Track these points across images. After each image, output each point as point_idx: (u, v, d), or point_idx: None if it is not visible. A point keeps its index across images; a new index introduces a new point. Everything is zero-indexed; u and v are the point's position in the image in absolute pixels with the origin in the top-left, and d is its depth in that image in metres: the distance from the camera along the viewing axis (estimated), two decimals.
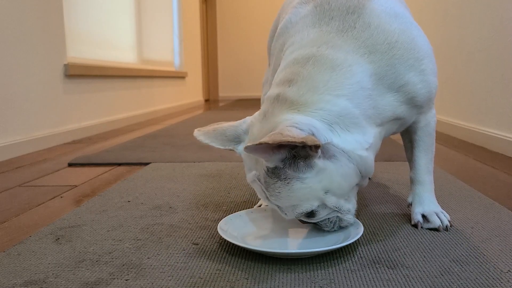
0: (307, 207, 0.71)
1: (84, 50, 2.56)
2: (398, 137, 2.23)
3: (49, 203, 1.13)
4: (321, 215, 0.75)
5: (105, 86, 2.71)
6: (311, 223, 0.78)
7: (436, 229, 0.86)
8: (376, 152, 0.79)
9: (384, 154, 1.68)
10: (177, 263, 0.73)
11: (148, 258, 0.75)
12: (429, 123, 0.87)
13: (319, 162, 0.69)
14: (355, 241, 0.80)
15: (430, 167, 0.90)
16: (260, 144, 0.62)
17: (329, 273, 0.68)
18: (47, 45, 2.07)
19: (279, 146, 0.66)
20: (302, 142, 0.63)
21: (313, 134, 0.68)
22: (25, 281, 0.67)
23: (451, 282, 0.64)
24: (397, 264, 0.71)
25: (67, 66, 2.22)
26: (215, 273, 0.68)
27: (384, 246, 0.78)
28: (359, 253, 0.75)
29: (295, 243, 0.79)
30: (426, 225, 0.87)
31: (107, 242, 0.82)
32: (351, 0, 0.78)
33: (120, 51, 3.11)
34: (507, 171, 1.41)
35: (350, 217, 0.77)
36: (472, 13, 2.09)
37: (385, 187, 1.19)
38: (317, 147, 0.67)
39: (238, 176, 1.35)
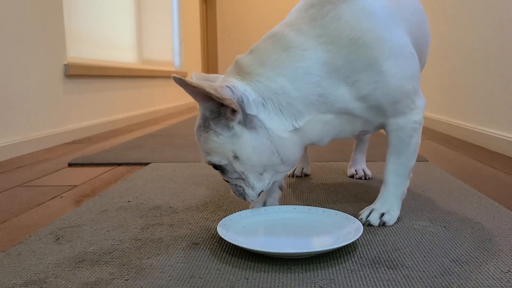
0: (215, 160, 0.80)
1: (84, 50, 2.56)
2: None
3: (49, 203, 1.13)
4: (230, 176, 0.83)
5: (105, 86, 2.71)
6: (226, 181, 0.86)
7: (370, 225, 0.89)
8: (311, 141, 0.83)
9: (384, 154, 1.68)
10: (177, 263, 0.73)
11: (148, 258, 0.75)
12: (401, 128, 0.86)
13: (237, 127, 0.77)
14: (355, 241, 0.80)
15: (400, 171, 0.89)
16: (184, 81, 0.70)
17: (329, 273, 0.68)
18: (47, 45, 2.07)
19: (210, 98, 0.74)
20: (219, 99, 0.72)
21: (242, 101, 0.76)
22: (25, 281, 0.67)
23: (451, 282, 0.64)
24: (397, 264, 0.71)
25: (67, 66, 2.22)
26: (215, 273, 0.68)
27: (384, 246, 0.78)
28: (359, 253, 0.75)
29: (295, 243, 0.79)
30: (372, 221, 0.89)
31: (107, 242, 0.82)
32: None
33: (120, 51, 3.11)
34: (507, 171, 1.41)
35: (252, 194, 0.83)
36: (471, 13, 2.09)
37: None
38: (234, 111, 0.75)
39: None
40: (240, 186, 0.84)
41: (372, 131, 0.92)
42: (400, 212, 0.98)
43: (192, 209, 1.02)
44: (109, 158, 1.69)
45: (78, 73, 2.32)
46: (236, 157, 0.79)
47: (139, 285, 0.65)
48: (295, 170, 1.35)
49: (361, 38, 0.78)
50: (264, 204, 1.01)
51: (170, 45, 4.32)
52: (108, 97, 2.75)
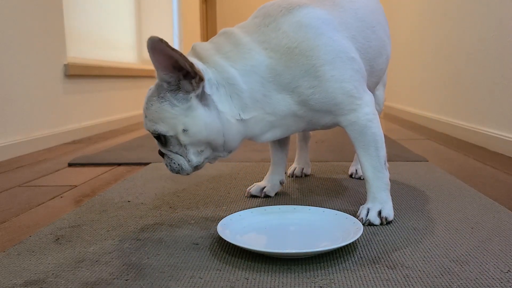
0: (162, 129, 0.84)
1: (84, 50, 2.56)
2: (398, 137, 2.23)
3: (49, 203, 1.13)
4: (170, 148, 0.87)
5: (105, 86, 2.71)
6: (162, 154, 0.90)
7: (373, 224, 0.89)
8: (252, 135, 0.89)
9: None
10: (177, 263, 0.73)
11: (148, 258, 0.75)
12: (354, 123, 0.89)
13: (194, 101, 0.81)
14: (355, 241, 0.80)
15: (374, 163, 0.91)
16: (164, 44, 0.75)
17: (329, 273, 0.68)
18: (47, 45, 2.07)
19: (173, 68, 0.79)
20: (192, 66, 0.78)
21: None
22: (25, 281, 0.67)
23: (451, 282, 0.64)
24: (397, 264, 0.71)
25: (67, 66, 2.22)
26: (215, 273, 0.68)
27: (384, 246, 0.78)
28: (359, 253, 0.75)
29: (295, 243, 0.79)
30: (370, 220, 0.90)
31: (107, 242, 0.82)
32: (282, 6, 0.88)
33: (120, 51, 3.11)
34: (507, 171, 1.41)
35: (188, 167, 0.88)
36: (471, 13, 2.09)
37: None
38: (201, 79, 0.80)
39: (238, 176, 1.36)
40: (175, 161, 0.88)
41: (326, 128, 0.97)
42: (401, 212, 0.98)
43: (192, 209, 1.02)
44: (109, 158, 1.69)
45: (78, 73, 2.32)
46: (185, 130, 0.83)
47: (139, 285, 0.65)
48: (295, 170, 1.35)
49: (297, 47, 0.84)
50: (262, 190, 1.11)
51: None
52: (108, 97, 2.75)
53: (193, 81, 0.80)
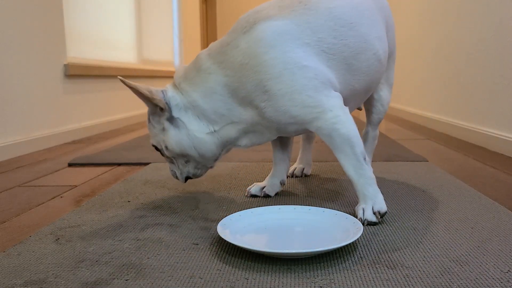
0: (155, 143, 1.03)
1: (84, 50, 2.56)
2: (398, 137, 2.23)
3: (49, 203, 1.13)
4: (166, 158, 1.05)
5: (105, 86, 2.71)
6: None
7: (374, 223, 0.90)
8: (230, 142, 0.99)
9: (384, 154, 1.68)
10: (177, 263, 0.73)
11: (148, 258, 0.75)
12: (320, 128, 0.90)
13: (165, 123, 0.98)
14: (355, 241, 0.80)
15: (353, 162, 0.90)
16: (125, 82, 0.92)
17: (329, 273, 0.68)
18: (47, 45, 2.07)
19: (147, 98, 0.96)
20: (149, 99, 0.96)
21: (170, 104, 0.97)
22: (25, 281, 0.67)
23: (451, 282, 0.64)
24: (397, 264, 0.71)
25: (67, 66, 2.22)
26: (215, 273, 0.69)
27: (384, 246, 0.78)
28: (359, 253, 0.75)
29: (295, 243, 0.79)
30: (367, 219, 0.90)
31: (107, 242, 0.82)
32: (248, 21, 0.93)
33: (120, 51, 3.11)
34: (507, 171, 1.41)
35: (180, 175, 1.07)
36: (471, 13, 2.09)
37: (385, 187, 1.19)
38: (162, 109, 0.97)
39: (238, 176, 1.36)
40: (172, 168, 1.07)
41: (299, 134, 1.02)
42: (401, 212, 0.98)
43: (192, 209, 1.02)
44: (109, 158, 1.69)
45: (78, 73, 2.32)
46: (166, 147, 1.00)
47: (139, 285, 0.65)
48: (295, 170, 1.35)
49: (248, 63, 0.89)
50: (262, 190, 1.13)
51: (170, 45, 4.32)
52: (108, 97, 2.75)
53: (158, 109, 0.98)
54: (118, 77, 0.93)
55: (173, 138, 0.98)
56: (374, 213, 0.90)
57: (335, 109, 0.89)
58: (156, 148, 1.04)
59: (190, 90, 0.96)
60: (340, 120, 0.89)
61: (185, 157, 1.01)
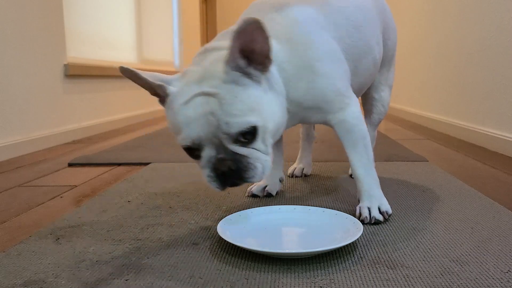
0: (254, 120, 0.73)
1: (84, 50, 2.56)
2: (398, 137, 2.23)
3: (49, 203, 1.13)
4: (256, 145, 0.75)
5: (105, 86, 2.71)
6: (230, 165, 0.74)
7: (379, 222, 0.90)
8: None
9: (384, 154, 1.68)
10: (177, 263, 0.73)
11: (148, 258, 0.75)
12: (344, 120, 0.90)
13: (265, 85, 0.76)
14: (355, 241, 0.80)
15: (364, 161, 0.91)
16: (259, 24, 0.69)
17: (329, 273, 0.68)
18: (47, 45, 2.07)
19: (242, 52, 0.73)
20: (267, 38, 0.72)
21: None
22: (25, 281, 0.67)
23: (451, 282, 0.64)
24: (397, 264, 0.71)
25: (67, 66, 2.22)
26: (215, 273, 0.68)
27: (384, 246, 0.78)
28: (359, 253, 0.75)
29: (295, 243, 0.79)
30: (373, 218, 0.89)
31: (107, 242, 0.82)
32: (276, 3, 0.89)
33: (120, 51, 3.11)
34: (507, 171, 1.41)
35: (270, 165, 0.77)
36: (471, 13, 2.09)
37: (385, 187, 1.19)
38: (269, 61, 0.75)
39: None
40: (259, 162, 0.76)
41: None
42: (401, 212, 0.98)
43: (192, 209, 1.02)
44: (109, 158, 1.69)
45: (78, 73, 2.32)
46: (268, 116, 0.76)
47: (139, 285, 0.65)
48: (295, 170, 1.35)
49: (293, 38, 0.84)
50: (264, 189, 1.10)
51: (170, 45, 4.32)
52: (108, 97, 2.75)
53: (265, 60, 0.75)
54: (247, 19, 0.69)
55: (274, 102, 0.81)
56: (382, 213, 0.90)
57: (358, 106, 0.91)
58: (247, 134, 0.74)
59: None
60: (361, 117, 0.91)
61: (276, 129, 0.83)
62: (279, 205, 1.00)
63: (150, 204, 1.07)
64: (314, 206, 0.97)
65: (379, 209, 0.91)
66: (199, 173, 1.39)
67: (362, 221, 0.89)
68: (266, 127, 0.75)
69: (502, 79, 1.79)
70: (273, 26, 0.83)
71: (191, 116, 0.73)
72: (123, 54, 3.16)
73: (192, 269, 0.70)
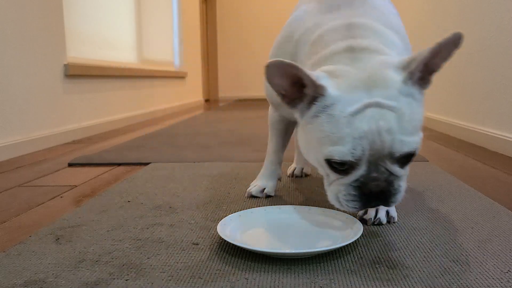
0: (418, 140, 0.67)
1: (84, 50, 2.56)
2: None
3: (49, 203, 1.13)
4: (406, 167, 0.70)
5: (105, 86, 2.71)
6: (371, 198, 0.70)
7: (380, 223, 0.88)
8: None
9: None
10: (177, 263, 0.73)
11: (148, 258, 0.75)
12: None
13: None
14: (355, 241, 0.80)
15: None
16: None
17: (329, 273, 0.68)
18: (47, 45, 2.07)
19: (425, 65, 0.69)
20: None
21: None
22: (25, 281, 0.67)
23: (451, 282, 0.64)
24: (397, 264, 0.71)
25: (67, 66, 2.22)
26: (215, 273, 0.68)
27: (384, 246, 0.78)
28: (359, 253, 0.75)
29: (295, 243, 0.79)
30: (371, 220, 0.88)
31: (107, 242, 0.82)
32: None
33: (120, 51, 3.11)
34: (507, 171, 1.41)
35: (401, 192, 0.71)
36: (472, 13, 2.09)
37: None
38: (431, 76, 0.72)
39: (238, 176, 1.35)
40: (402, 186, 0.71)
41: None
42: (401, 212, 0.98)
43: (192, 209, 1.02)
44: (109, 158, 1.69)
45: (78, 73, 2.32)
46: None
47: (139, 285, 0.65)
48: (295, 170, 1.35)
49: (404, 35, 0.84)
50: (263, 191, 1.10)
51: (170, 45, 4.32)
52: (108, 97, 2.75)
53: (423, 81, 0.71)
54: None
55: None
56: (389, 217, 0.89)
57: None
58: (408, 157, 0.69)
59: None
60: None
61: None
62: (279, 205, 1.00)
63: (150, 204, 1.07)
64: (314, 206, 0.97)
65: (387, 212, 0.89)
66: (198, 173, 1.40)
67: (364, 221, 0.89)
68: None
69: (502, 79, 1.79)
70: (379, 15, 0.81)
71: (364, 131, 0.65)
72: (123, 54, 3.16)
73: (192, 269, 0.70)
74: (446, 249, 0.76)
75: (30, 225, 0.96)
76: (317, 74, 0.70)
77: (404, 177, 0.71)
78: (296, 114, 0.75)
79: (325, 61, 0.75)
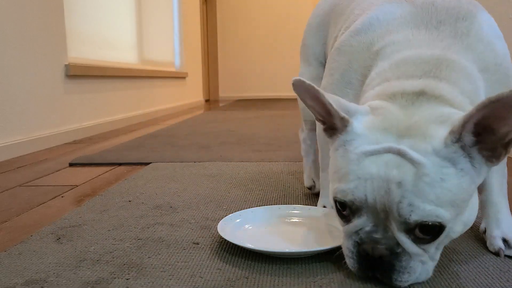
0: (446, 217, 0.55)
1: (85, 51, 2.56)
2: None
3: (50, 203, 1.13)
4: (428, 248, 0.59)
5: (105, 86, 2.71)
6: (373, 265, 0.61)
7: None
8: None
9: None
10: (178, 262, 0.73)
11: (148, 257, 0.75)
12: None
13: (481, 179, 0.59)
14: None
15: (504, 188, 0.79)
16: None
17: (329, 273, 0.68)
18: (48, 45, 2.07)
19: (476, 126, 0.55)
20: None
21: None
22: (26, 281, 0.67)
23: (451, 282, 0.65)
24: None
25: (68, 66, 2.23)
26: (216, 273, 0.69)
27: None
28: None
29: (295, 242, 0.79)
30: (508, 251, 0.73)
31: (107, 242, 0.83)
32: (461, 5, 0.71)
33: (121, 51, 3.12)
34: (507, 171, 1.41)
35: (429, 275, 0.61)
36: None
37: None
38: (506, 150, 0.58)
39: (238, 176, 1.36)
40: (414, 269, 0.59)
41: None
42: None
43: (193, 208, 1.03)
44: (110, 158, 1.69)
45: (79, 73, 2.33)
46: (461, 216, 0.58)
47: (140, 284, 0.65)
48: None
49: (501, 64, 0.69)
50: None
51: (170, 45, 4.33)
52: (108, 97, 2.76)
53: (489, 152, 0.57)
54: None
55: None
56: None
57: None
58: (429, 229, 0.57)
59: None
60: None
61: None
62: (279, 205, 1.00)
63: (151, 204, 1.07)
64: (314, 206, 0.97)
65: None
66: (199, 173, 1.40)
67: (496, 252, 0.75)
68: (454, 231, 0.58)
69: None
70: (481, 50, 0.68)
71: (370, 173, 0.57)
72: (124, 55, 3.16)
73: (193, 268, 0.70)
74: (446, 249, 0.76)
75: (31, 225, 0.96)
76: (354, 108, 0.63)
77: (420, 257, 0.58)
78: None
79: (387, 96, 0.64)
